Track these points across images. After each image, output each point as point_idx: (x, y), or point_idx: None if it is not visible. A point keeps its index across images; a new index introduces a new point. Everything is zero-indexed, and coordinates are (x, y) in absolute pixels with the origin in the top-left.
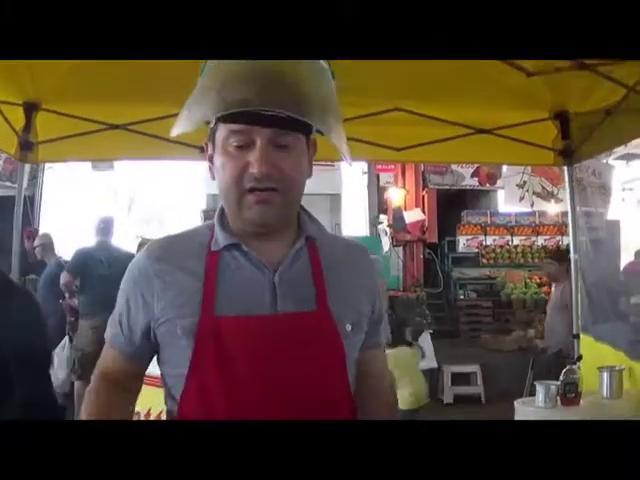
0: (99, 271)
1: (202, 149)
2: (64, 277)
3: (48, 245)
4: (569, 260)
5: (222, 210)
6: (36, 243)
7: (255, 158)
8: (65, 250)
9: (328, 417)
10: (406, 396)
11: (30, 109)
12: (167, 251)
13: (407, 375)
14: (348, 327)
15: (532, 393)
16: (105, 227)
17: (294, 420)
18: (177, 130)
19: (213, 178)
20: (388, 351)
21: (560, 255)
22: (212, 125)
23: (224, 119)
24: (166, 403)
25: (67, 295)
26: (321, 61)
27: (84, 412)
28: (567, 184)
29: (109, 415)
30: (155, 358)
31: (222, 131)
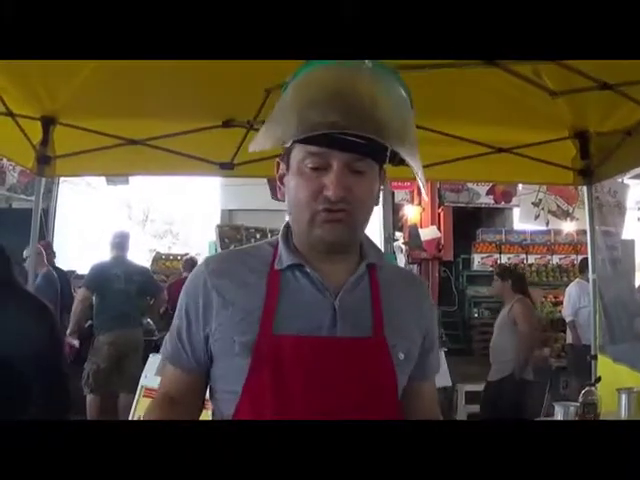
0: (116, 286)
1: (221, 165)
2: (81, 293)
3: (38, 257)
4: (515, 277)
5: (287, 229)
6: (26, 254)
7: (331, 181)
8: (79, 263)
9: None
10: None
11: (48, 123)
12: (228, 266)
13: None
14: (401, 356)
15: (549, 413)
16: (121, 242)
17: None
18: (255, 147)
19: (278, 198)
20: None
21: (502, 272)
22: (288, 145)
23: (303, 140)
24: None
25: (68, 332)
26: (401, 89)
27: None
28: (586, 204)
29: None
30: None
31: (299, 152)
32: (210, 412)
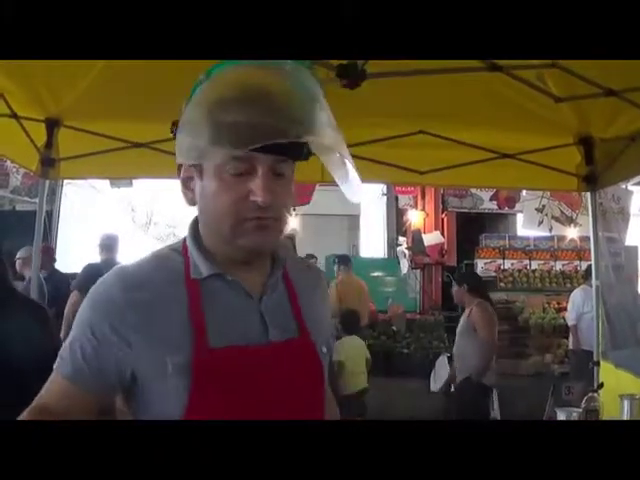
0: None
1: None
2: (73, 296)
3: (29, 260)
4: (471, 281)
5: (198, 237)
6: (18, 256)
7: (258, 187)
8: (82, 266)
9: None
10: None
11: (52, 125)
12: (141, 279)
13: (357, 362)
14: (324, 349)
15: (551, 419)
16: (110, 244)
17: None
18: (180, 159)
19: (191, 203)
20: (340, 340)
21: (459, 277)
22: (202, 146)
23: (223, 145)
24: None
25: (61, 334)
26: (302, 69)
27: None
28: (590, 210)
29: None
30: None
31: (218, 156)
32: None
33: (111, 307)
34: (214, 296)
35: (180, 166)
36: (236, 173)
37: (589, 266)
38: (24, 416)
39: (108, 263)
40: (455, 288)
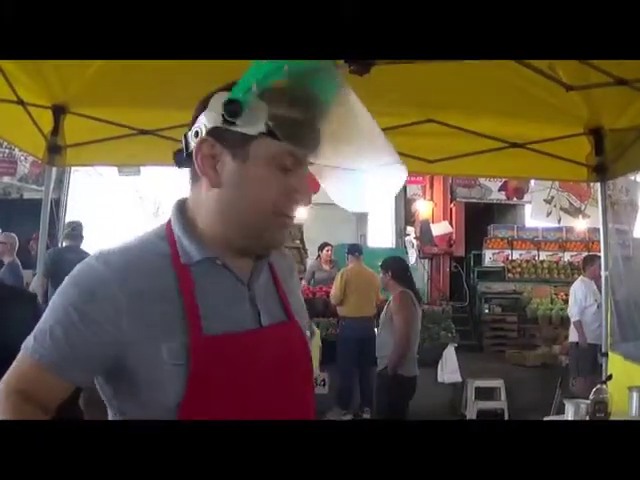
0: (69, 271)
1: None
2: (37, 279)
3: (10, 246)
4: (394, 268)
5: (186, 219)
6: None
7: (303, 186)
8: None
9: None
10: None
11: (59, 112)
12: (129, 264)
13: None
14: (308, 333)
15: (559, 411)
16: (74, 232)
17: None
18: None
19: (216, 185)
20: None
21: (385, 263)
22: (255, 133)
23: (292, 137)
24: None
25: None
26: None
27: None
28: (600, 201)
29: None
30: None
31: (272, 146)
32: None
33: (101, 291)
34: (205, 281)
35: (205, 141)
36: (286, 167)
37: (586, 257)
38: (9, 398)
39: (72, 249)
40: (382, 275)
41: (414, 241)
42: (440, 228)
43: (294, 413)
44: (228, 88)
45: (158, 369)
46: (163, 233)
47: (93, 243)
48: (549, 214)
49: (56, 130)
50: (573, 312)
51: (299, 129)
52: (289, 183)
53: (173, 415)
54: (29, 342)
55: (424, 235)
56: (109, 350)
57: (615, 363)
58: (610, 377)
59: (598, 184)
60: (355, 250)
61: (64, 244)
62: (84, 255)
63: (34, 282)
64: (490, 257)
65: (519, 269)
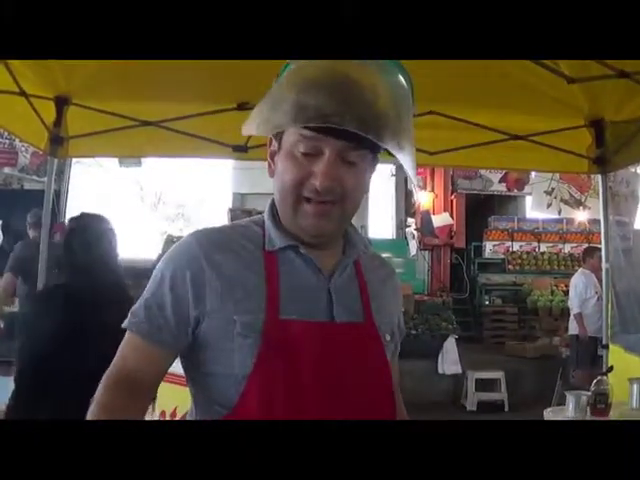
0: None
1: (235, 148)
2: (6, 278)
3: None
4: None
5: (274, 209)
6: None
7: (320, 170)
8: None
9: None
10: None
11: (61, 104)
12: (222, 241)
13: None
14: (387, 337)
15: (560, 402)
16: (37, 222)
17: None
18: (250, 131)
19: (271, 176)
20: None
21: None
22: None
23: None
24: (199, 407)
25: None
26: (404, 82)
27: (95, 415)
28: (601, 192)
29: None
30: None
31: (292, 134)
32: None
33: (191, 263)
34: (287, 268)
35: (271, 141)
36: (305, 152)
37: (586, 249)
38: (105, 382)
39: (37, 240)
40: None
41: (415, 232)
42: (441, 219)
43: (359, 414)
44: None
45: (230, 340)
46: (261, 220)
47: None
48: (549, 206)
49: (58, 121)
50: (573, 304)
51: (310, 113)
52: (309, 168)
53: (239, 387)
54: (127, 320)
55: (425, 226)
56: (192, 317)
57: (616, 355)
58: (611, 369)
59: (599, 176)
60: None
61: (30, 234)
62: (53, 244)
63: (2, 281)
64: (490, 249)
65: (519, 261)
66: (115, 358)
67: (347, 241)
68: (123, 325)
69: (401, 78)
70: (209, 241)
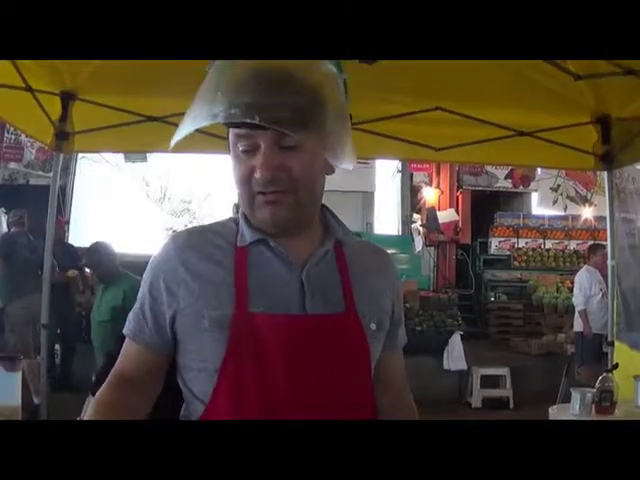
0: (23, 254)
1: None
2: None
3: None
4: None
5: None
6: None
7: (259, 163)
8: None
9: (353, 418)
10: None
11: (67, 99)
12: (194, 241)
13: None
14: (373, 326)
15: (565, 399)
16: (20, 220)
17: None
18: (176, 137)
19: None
20: None
21: None
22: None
23: (229, 124)
24: (186, 403)
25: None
26: (333, 68)
27: (94, 415)
28: (607, 189)
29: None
30: None
31: (231, 134)
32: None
33: (165, 265)
34: (257, 262)
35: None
36: (244, 150)
37: (591, 246)
38: (107, 381)
39: (22, 234)
40: None
41: (420, 228)
42: (446, 216)
43: (334, 407)
44: None
45: (201, 335)
46: (237, 217)
47: (98, 230)
48: (555, 202)
49: (64, 117)
50: (578, 301)
51: (237, 111)
52: (250, 163)
53: (213, 382)
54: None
55: (430, 223)
56: (168, 316)
57: (621, 352)
58: (616, 366)
59: (605, 173)
60: None
61: (12, 230)
62: (32, 239)
63: None
64: (496, 245)
65: (525, 257)
66: (116, 362)
67: (325, 229)
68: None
69: (332, 68)
70: (184, 242)
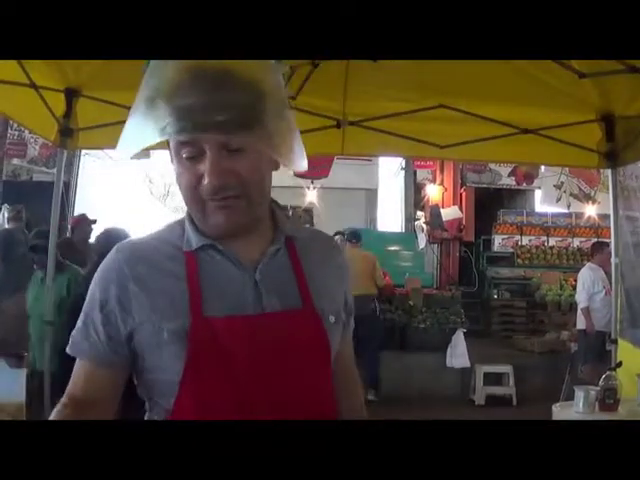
0: (21, 250)
1: None
2: None
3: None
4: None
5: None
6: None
7: (207, 169)
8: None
9: (316, 416)
10: None
11: (71, 95)
12: (142, 253)
13: None
14: (332, 319)
15: (569, 397)
16: (17, 215)
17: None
18: (122, 152)
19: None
20: None
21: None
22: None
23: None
24: (152, 414)
25: None
26: (272, 62)
27: None
28: (611, 187)
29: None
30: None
31: (172, 140)
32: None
33: (114, 279)
34: (208, 266)
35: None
36: (189, 157)
37: (595, 243)
38: (56, 410)
39: (20, 230)
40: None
41: (424, 226)
42: (450, 213)
43: (299, 403)
44: None
45: (160, 349)
46: (184, 222)
47: (101, 226)
48: (559, 200)
49: (68, 113)
50: (581, 299)
51: (176, 118)
52: (197, 170)
53: (177, 389)
54: (68, 345)
55: (434, 220)
56: (124, 334)
57: (624, 350)
58: (620, 364)
59: (609, 171)
60: (353, 237)
61: (9, 226)
62: (28, 236)
63: None
64: (499, 242)
65: (528, 254)
66: (67, 387)
67: (275, 226)
68: (67, 350)
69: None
70: (132, 255)
